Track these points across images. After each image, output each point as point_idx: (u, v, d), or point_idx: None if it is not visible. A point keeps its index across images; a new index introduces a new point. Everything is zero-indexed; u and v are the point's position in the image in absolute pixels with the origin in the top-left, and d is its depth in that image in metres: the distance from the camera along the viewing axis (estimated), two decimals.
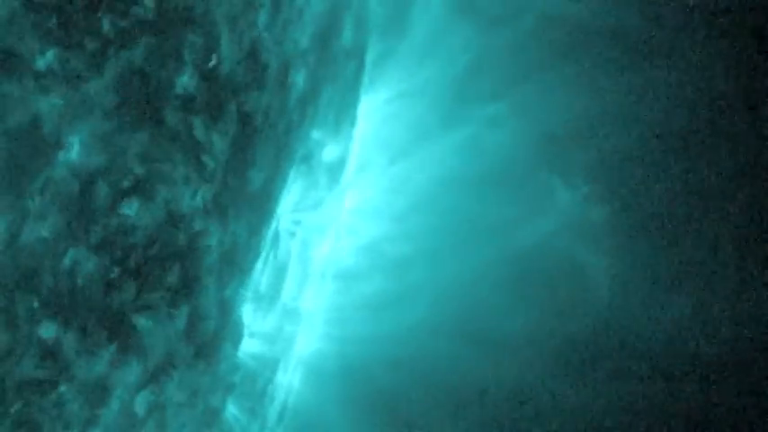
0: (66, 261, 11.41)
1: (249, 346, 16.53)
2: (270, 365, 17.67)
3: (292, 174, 15.93)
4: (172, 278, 12.85)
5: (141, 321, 12.55)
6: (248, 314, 15.99)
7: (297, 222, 17.25)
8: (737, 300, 18.12)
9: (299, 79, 15.14)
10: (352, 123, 19.61)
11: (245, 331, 15.92)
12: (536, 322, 19.32)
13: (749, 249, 17.99)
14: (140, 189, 12.16)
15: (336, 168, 18.80)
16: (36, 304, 11.13)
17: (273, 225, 15.66)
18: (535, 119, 20.33)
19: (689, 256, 18.56)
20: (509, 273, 19.64)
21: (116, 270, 12.10)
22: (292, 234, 17.15)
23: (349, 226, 20.28)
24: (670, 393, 18.52)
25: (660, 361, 18.68)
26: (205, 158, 12.98)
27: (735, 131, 20.04)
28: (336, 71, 17.46)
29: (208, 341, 14.24)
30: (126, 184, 11.98)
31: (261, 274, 15.87)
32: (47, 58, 10.50)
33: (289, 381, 19.09)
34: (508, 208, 20.11)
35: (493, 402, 20.03)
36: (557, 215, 19.92)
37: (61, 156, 11.05)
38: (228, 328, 14.96)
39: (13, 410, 11.26)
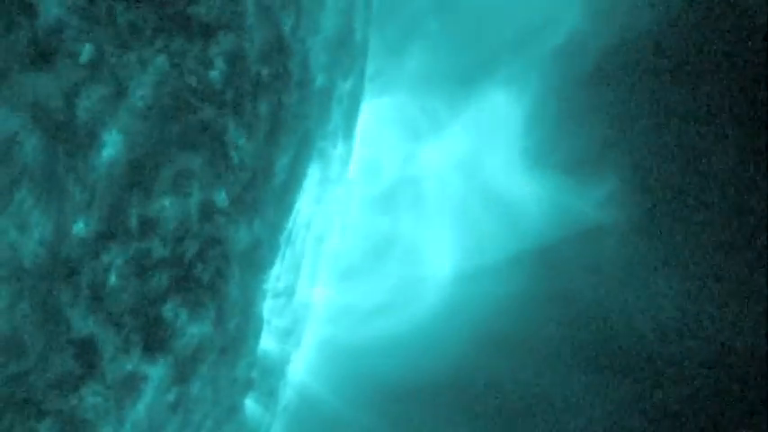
0: (103, 256, 11.30)
1: (265, 343, 16.50)
2: (284, 359, 17.67)
3: (310, 168, 15.92)
4: (203, 273, 12.78)
5: (173, 316, 12.47)
6: (266, 309, 15.94)
7: (312, 217, 17.23)
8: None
9: (319, 75, 15.14)
10: (358, 116, 19.63)
11: (264, 327, 15.88)
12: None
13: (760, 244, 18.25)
14: (172, 184, 12.08)
15: (345, 162, 18.81)
16: (74, 300, 11.02)
17: (292, 220, 15.63)
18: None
19: (699, 254, 18.76)
20: (519, 266, 19.77)
21: (149, 265, 12.02)
22: (308, 229, 17.12)
23: (356, 220, 20.28)
24: (681, 398, 18.71)
25: (669, 363, 18.85)
26: (234, 154, 12.92)
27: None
28: (347, 66, 17.47)
29: (233, 336, 14.18)
30: (159, 179, 11.89)
31: (279, 270, 15.83)
32: (87, 52, 10.38)
33: (298, 372, 19.11)
34: (515, 200, 20.26)
35: (501, 401, 20.10)
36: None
37: (98, 151, 10.93)
38: (251, 324, 14.91)
39: (46, 406, 11.15)
